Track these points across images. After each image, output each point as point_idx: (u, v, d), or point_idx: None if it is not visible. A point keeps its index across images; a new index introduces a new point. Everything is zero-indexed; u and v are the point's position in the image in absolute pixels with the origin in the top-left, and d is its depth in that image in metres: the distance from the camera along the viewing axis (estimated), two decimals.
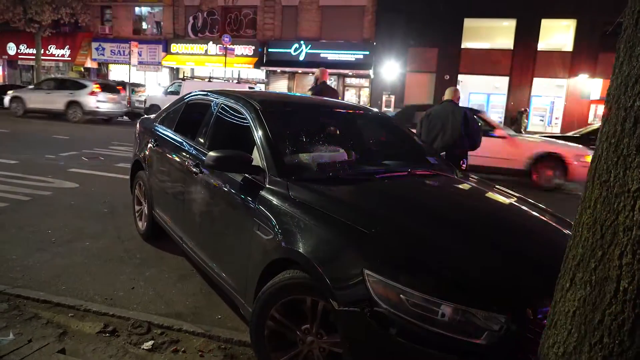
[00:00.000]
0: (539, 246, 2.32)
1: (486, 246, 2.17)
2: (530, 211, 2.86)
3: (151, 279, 3.79)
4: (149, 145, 4.47)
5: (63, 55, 28.77)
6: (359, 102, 24.59)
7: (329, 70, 8.82)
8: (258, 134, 2.96)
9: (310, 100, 4.08)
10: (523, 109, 21.10)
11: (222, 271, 2.96)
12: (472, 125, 5.62)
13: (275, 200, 2.51)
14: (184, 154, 3.69)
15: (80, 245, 4.44)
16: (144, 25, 28.37)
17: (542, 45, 21.72)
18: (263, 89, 24.92)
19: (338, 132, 3.75)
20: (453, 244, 2.11)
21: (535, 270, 2.02)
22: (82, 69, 29.22)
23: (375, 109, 4.45)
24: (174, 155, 3.86)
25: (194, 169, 3.36)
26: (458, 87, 9.06)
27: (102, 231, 4.90)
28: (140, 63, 26.11)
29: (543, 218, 2.76)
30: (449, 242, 2.12)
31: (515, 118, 21.06)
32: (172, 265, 4.10)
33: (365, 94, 25.05)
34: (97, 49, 28.30)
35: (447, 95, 5.94)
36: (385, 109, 23.17)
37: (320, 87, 6.89)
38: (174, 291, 3.58)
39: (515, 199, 3.10)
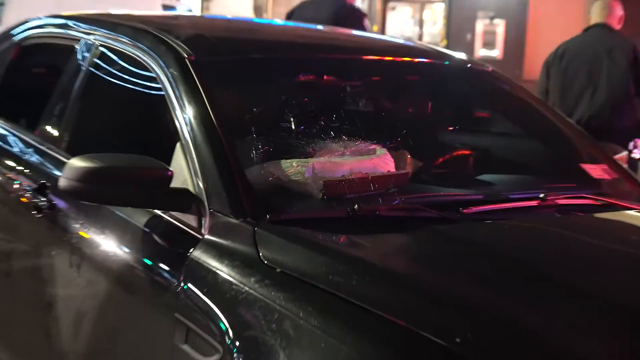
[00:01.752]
0: None
1: None
2: None
3: None
4: None
5: None
6: (420, 39, 13.72)
7: None
8: (185, 117, 1.65)
9: (304, 37, 2.50)
10: None
11: None
12: None
13: (225, 272, 1.37)
14: (11, 163, 2.32)
15: None
16: None
17: None
18: (197, 12, 14.28)
19: (372, 110, 2.18)
20: None
21: None
22: None
23: (461, 54, 2.57)
24: None
25: (37, 200, 1.98)
26: None
27: None
28: None
29: None
30: None
31: None
32: None
33: (436, 18, 13.74)
34: None
35: (596, 14, 3.70)
36: (485, 52, 12.25)
37: (315, 2, 3.67)
38: None
39: None
